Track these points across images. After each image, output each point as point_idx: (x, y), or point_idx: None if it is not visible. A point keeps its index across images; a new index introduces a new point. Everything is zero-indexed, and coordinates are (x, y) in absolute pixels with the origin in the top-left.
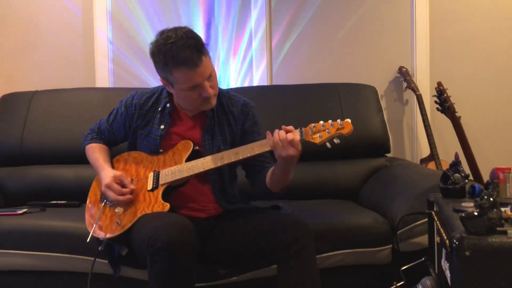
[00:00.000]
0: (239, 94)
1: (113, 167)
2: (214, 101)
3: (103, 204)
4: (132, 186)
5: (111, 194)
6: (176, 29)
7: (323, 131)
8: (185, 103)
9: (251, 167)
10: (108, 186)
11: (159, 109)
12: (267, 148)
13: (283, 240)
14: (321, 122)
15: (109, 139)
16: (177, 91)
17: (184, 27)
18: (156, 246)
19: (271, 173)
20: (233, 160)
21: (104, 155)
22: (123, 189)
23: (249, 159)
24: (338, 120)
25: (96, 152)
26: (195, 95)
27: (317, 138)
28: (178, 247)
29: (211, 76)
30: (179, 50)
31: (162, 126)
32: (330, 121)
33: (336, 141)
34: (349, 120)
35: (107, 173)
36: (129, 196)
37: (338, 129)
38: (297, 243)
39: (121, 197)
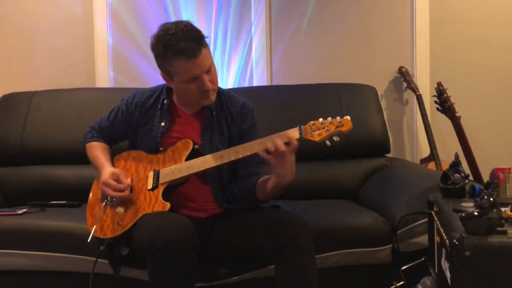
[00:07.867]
0: (239, 96)
1: (113, 166)
2: (213, 97)
3: (104, 203)
4: (128, 182)
5: (107, 191)
6: (177, 22)
7: (322, 129)
8: (184, 97)
9: (241, 169)
10: (105, 183)
11: (159, 106)
12: (267, 146)
13: (281, 237)
14: (320, 119)
15: (110, 137)
16: (177, 84)
17: (185, 21)
18: (156, 246)
19: (263, 185)
20: (233, 159)
21: (105, 153)
22: (119, 185)
23: (241, 163)
24: (338, 117)
25: (97, 151)
26: (194, 88)
27: (316, 136)
28: (179, 247)
29: (211, 70)
30: (179, 40)
31: (162, 123)
32: (329, 119)
33: (335, 138)
34: (348, 117)
35: (106, 171)
36: (126, 192)
37: (337, 126)
38: (296, 240)
39: (117, 193)
